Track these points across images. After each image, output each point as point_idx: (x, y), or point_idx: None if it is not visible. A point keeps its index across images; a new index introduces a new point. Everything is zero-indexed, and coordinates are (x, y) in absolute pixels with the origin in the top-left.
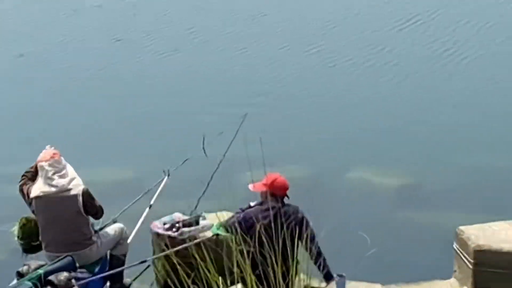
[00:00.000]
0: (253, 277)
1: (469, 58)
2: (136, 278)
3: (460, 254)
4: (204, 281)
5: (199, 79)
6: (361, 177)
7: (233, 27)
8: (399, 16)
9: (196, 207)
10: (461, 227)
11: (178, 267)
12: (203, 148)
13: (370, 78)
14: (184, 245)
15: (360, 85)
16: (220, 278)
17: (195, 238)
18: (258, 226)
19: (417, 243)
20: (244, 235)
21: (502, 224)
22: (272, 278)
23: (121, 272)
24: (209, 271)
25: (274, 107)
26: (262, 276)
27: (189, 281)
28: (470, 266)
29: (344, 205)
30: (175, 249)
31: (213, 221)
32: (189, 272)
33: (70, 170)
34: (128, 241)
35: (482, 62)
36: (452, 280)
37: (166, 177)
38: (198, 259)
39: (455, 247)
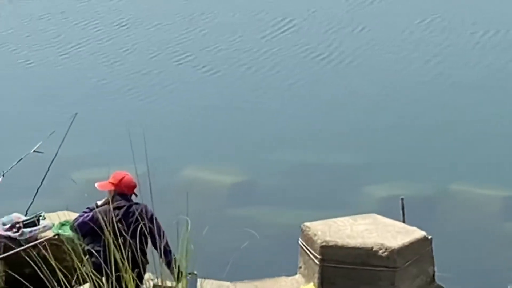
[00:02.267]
0: (102, 277)
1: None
2: None
3: (306, 250)
4: (49, 281)
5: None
6: (195, 175)
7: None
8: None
9: (30, 206)
10: (307, 223)
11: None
12: (35, 150)
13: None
14: (25, 246)
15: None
16: (64, 277)
17: (37, 239)
18: (107, 225)
19: (261, 240)
20: (93, 235)
21: (346, 220)
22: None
23: None
24: (52, 271)
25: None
26: (113, 275)
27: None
28: (317, 262)
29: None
30: (15, 250)
31: (53, 221)
32: (34, 272)
33: None
34: None
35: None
36: (298, 276)
37: (1, 177)
38: (39, 260)
39: (300, 243)
